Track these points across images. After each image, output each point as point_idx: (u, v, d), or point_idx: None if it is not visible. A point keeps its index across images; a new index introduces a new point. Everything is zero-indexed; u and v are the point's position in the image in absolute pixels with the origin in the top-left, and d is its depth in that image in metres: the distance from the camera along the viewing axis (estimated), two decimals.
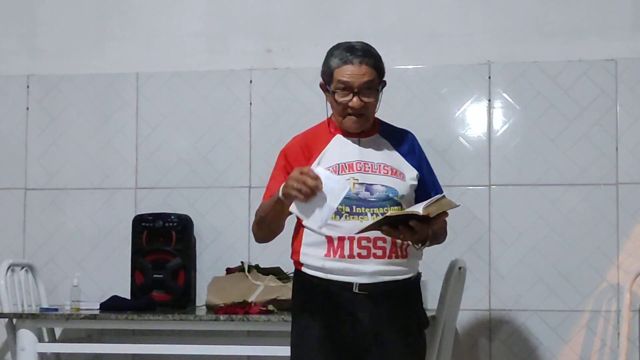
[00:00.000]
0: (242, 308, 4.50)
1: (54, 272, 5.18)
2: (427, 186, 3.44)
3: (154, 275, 4.92)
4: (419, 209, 3.14)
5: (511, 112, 4.94)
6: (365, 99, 3.33)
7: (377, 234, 3.25)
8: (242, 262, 4.88)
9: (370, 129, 3.44)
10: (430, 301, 4.58)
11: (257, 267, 4.82)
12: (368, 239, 3.28)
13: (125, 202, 5.19)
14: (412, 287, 3.41)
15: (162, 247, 4.95)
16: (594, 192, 4.83)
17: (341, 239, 3.29)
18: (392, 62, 4.93)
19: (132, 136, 5.23)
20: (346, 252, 3.28)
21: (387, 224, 3.18)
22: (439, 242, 3.43)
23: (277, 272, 4.78)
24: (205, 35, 5.23)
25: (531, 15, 4.97)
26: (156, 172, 5.19)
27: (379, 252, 3.30)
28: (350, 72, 3.31)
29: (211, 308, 4.66)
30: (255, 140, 5.12)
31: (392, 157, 3.41)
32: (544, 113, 4.90)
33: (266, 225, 3.38)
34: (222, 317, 4.42)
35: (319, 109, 4.92)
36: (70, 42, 5.32)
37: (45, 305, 4.89)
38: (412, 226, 3.16)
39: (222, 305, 4.58)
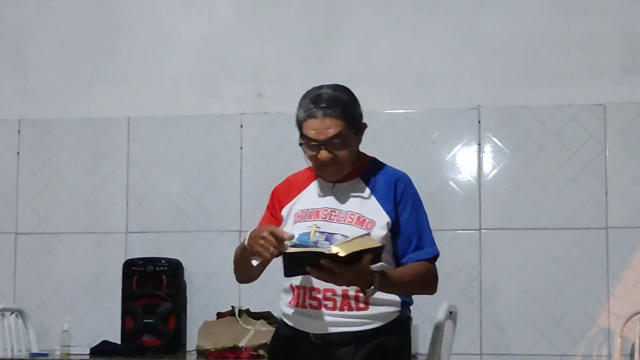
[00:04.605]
0: (232, 353, 4.49)
1: (44, 316, 5.16)
2: (406, 233, 3.20)
3: (145, 320, 4.90)
4: (332, 247, 2.91)
5: (501, 156, 4.96)
6: (335, 151, 3.16)
7: (325, 285, 3.10)
8: (232, 307, 4.87)
9: (352, 173, 3.26)
10: (422, 345, 4.57)
11: (247, 311, 4.81)
12: (318, 290, 3.16)
13: (116, 246, 5.18)
14: (383, 335, 3.20)
15: (153, 292, 4.93)
16: (584, 236, 4.84)
17: (299, 288, 3.21)
18: (383, 106, 5.01)
19: (123, 180, 5.23)
20: (300, 301, 3.20)
21: (310, 265, 2.93)
22: (410, 293, 3.21)
23: (267, 317, 4.76)
24: (197, 80, 5.25)
25: (521, 60, 5.01)
26: (147, 216, 5.18)
27: (330, 304, 3.16)
28: (314, 127, 3.15)
29: (202, 353, 4.64)
30: (246, 184, 5.12)
31: (365, 204, 3.21)
32: (533, 157, 4.92)
33: (238, 268, 3.34)
34: None
35: None
36: (62, 86, 5.34)
37: (35, 351, 4.87)
38: (324, 265, 2.90)
39: (213, 350, 4.57)
